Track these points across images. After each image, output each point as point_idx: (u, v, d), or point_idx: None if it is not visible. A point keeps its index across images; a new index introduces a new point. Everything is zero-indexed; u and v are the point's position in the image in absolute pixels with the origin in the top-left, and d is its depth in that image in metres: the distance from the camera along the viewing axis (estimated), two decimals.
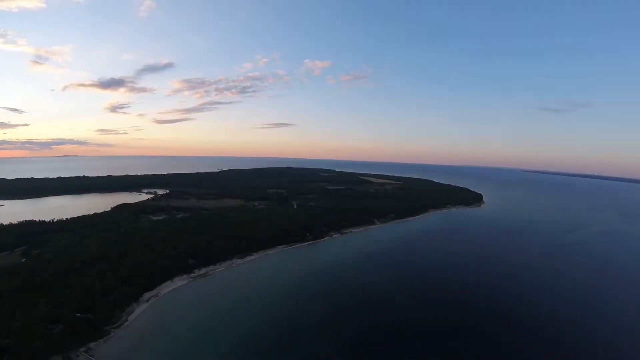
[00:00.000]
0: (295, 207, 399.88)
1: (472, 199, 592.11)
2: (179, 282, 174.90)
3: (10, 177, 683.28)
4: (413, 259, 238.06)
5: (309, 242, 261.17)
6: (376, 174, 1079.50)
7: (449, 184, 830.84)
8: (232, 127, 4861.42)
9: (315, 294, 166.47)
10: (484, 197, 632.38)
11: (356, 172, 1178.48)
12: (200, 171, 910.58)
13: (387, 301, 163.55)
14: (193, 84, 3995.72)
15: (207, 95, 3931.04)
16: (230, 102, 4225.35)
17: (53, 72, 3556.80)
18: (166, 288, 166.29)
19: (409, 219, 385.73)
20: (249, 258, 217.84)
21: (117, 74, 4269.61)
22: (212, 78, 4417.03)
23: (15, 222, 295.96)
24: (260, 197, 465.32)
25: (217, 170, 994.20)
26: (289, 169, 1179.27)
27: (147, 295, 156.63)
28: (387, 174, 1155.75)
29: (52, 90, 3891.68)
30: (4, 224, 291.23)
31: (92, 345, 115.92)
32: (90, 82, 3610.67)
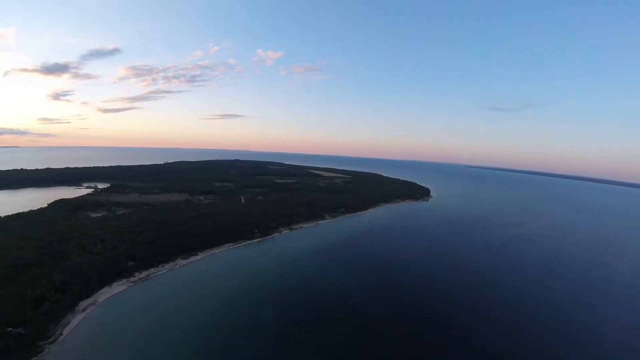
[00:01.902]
0: (243, 201, 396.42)
1: (420, 193, 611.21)
2: (117, 287, 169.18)
3: None
4: (365, 253, 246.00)
5: (258, 239, 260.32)
6: (325, 168, 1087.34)
7: (397, 178, 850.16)
8: (180, 117, 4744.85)
9: (264, 295, 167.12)
10: (431, 191, 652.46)
11: (305, 165, 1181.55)
12: (144, 163, 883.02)
13: (340, 298, 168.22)
14: (140, 71, 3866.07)
15: (155, 84, 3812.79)
16: (178, 91, 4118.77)
17: None
18: (104, 295, 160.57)
19: (359, 213, 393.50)
20: (193, 258, 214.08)
21: (61, 59, 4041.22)
22: (160, 65, 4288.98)
23: None
24: (207, 191, 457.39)
25: (162, 163, 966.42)
26: (237, 161, 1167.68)
27: (83, 304, 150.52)
28: (337, 167, 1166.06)
29: None
30: None
31: None
32: (33, 67, 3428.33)
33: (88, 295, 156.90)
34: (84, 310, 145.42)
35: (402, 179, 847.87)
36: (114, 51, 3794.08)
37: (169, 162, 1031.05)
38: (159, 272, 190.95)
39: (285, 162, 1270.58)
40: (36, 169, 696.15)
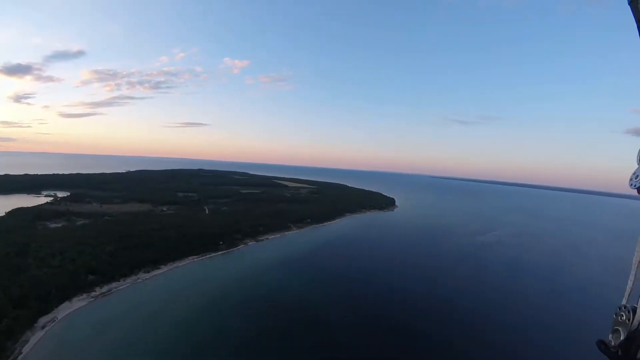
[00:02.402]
0: (207, 212, 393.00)
1: (385, 203, 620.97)
2: (78, 303, 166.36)
3: None
4: (332, 264, 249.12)
5: (223, 252, 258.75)
6: (291, 178, 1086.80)
7: (362, 189, 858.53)
8: (143, 124, 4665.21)
9: (229, 308, 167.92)
10: (396, 201, 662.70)
11: (270, 175, 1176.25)
12: (105, 171, 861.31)
13: (307, 309, 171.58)
14: (104, 76, 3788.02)
15: (118, 89, 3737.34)
16: (142, 98, 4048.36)
17: None
18: (64, 311, 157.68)
19: (326, 223, 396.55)
20: (156, 272, 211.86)
21: (25, 59, 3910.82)
22: (124, 70, 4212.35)
23: None
24: (170, 201, 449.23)
25: (124, 171, 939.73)
26: (201, 170, 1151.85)
27: (42, 320, 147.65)
28: (302, 177, 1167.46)
29: None
30: None
31: None
32: None
33: (47, 311, 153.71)
34: (43, 327, 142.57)
35: (367, 189, 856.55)
36: (79, 53, 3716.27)
37: (131, 170, 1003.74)
38: (121, 287, 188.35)
39: (250, 172, 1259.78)
40: None
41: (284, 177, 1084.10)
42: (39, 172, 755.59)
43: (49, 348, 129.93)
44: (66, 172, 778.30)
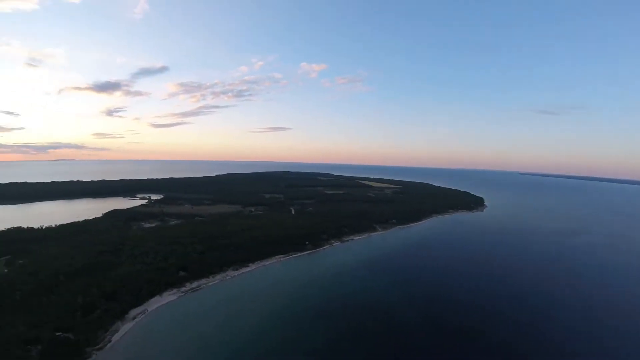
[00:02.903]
0: (293, 212, 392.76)
1: (473, 202, 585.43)
2: (168, 297, 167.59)
3: (3, 182, 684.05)
4: (419, 267, 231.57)
5: (309, 252, 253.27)
6: (375, 178, 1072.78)
7: (449, 188, 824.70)
8: (229, 131, 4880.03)
9: (314, 308, 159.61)
10: (485, 200, 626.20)
11: (354, 176, 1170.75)
12: (196, 175, 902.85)
13: (395, 318, 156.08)
14: (189, 88, 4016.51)
15: (203, 99, 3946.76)
16: (226, 106, 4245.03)
17: (48, 75, 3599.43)
18: (154, 304, 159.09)
19: (411, 224, 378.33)
20: (244, 270, 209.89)
21: (112, 77, 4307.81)
22: (208, 81, 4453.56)
23: (3, 229, 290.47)
24: (257, 202, 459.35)
25: (214, 175, 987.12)
26: (286, 173, 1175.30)
27: (133, 312, 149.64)
28: (386, 177, 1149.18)
29: (48, 93, 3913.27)
30: None
31: None
32: (85, 86, 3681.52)
33: (139, 304, 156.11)
34: (133, 319, 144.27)
35: (453, 188, 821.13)
36: (163, 69, 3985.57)
37: (220, 174, 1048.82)
38: (210, 283, 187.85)
39: (334, 173, 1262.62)
40: (92, 181, 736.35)
41: (367, 178, 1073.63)
42: (134, 177, 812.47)
43: (136, 337, 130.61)
44: (159, 177, 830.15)
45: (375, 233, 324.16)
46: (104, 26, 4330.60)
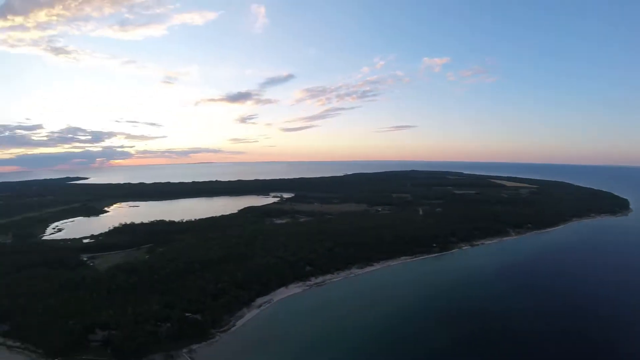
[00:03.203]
0: (421, 213, 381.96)
1: (617, 205, 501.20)
2: (293, 289, 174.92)
3: (148, 182, 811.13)
4: (556, 279, 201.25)
5: (436, 254, 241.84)
6: (508, 177, 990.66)
7: (590, 188, 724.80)
8: (355, 131, 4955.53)
9: (440, 317, 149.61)
10: (630, 203, 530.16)
11: (486, 174, 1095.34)
12: (324, 176, 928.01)
13: (524, 329, 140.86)
14: (314, 92, 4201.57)
15: (329, 102, 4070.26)
16: (351, 108, 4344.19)
17: (183, 90, 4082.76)
18: (280, 295, 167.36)
19: (549, 229, 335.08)
20: (369, 268, 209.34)
21: (242, 89, 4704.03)
22: (332, 85, 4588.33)
23: (147, 222, 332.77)
24: (384, 202, 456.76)
25: (341, 175, 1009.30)
26: (413, 172, 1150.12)
27: (259, 300, 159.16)
28: (520, 176, 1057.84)
29: (185, 106, 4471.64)
30: (136, 222, 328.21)
31: (195, 347, 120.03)
32: (219, 97, 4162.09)
33: (265, 294, 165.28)
34: (259, 307, 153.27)
35: (595, 188, 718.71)
36: (288, 77, 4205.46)
37: (347, 174, 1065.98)
38: (334, 279, 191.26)
39: (464, 172, 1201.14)
40: (229, 181, 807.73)
41: (500, 176, 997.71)
42: (267, 178, 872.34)
43: (259, 324, 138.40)
44: (290, 177, 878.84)
45: (508, 237, 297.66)
46: (228, 43, 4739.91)
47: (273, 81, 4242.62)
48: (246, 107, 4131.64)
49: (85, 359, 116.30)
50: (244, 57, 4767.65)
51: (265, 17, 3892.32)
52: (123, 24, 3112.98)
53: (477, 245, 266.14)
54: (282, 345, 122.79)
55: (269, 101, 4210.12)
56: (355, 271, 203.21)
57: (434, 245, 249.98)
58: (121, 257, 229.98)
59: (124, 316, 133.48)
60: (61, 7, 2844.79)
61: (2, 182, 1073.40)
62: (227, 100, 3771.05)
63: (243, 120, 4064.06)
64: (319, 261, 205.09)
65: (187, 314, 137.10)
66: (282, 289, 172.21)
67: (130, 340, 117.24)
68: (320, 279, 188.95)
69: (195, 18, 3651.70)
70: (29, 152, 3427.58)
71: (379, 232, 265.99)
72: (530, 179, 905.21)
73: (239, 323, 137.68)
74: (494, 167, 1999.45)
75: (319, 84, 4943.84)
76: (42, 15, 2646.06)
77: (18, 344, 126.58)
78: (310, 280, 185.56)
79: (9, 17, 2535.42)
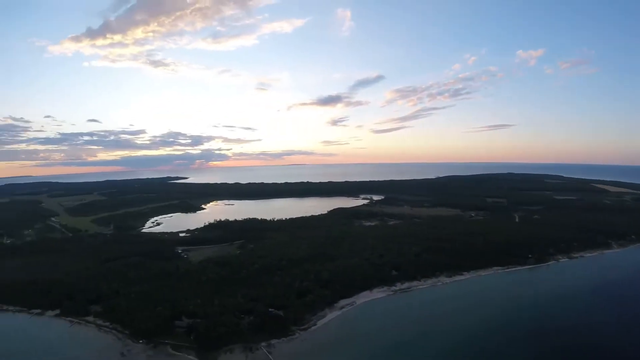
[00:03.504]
0: (517, 220, 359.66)
1: None
2: (377, 293, 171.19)
3: (243, 182, 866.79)
4: None
5: (530, 266, 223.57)
6: (612, 181, 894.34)
7: None
8: (448, 131, 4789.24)
9: (528, 335, 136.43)
10: None
11: (587, 178, 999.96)
12: (416, 178, 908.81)
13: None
14: (405, 93, 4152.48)
15: (421, 102, 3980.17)
16: (444, 107, 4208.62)
17: (276, 95, 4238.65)
18: (363, 298, 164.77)
19: None
20: (457, 277, 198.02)
21: (332, 92, 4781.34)
22: (422, 84, 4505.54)
23: (240, 219, 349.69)
24: (478, 207, 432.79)
25: (434, 177, 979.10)
26: (509, 174, 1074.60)
27: (342, 302, 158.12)
28: (626, 180, 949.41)
29: (278, 110, 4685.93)
30: (230, 219, 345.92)
31: (274, 342, 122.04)
32: (310, 101, 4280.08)
33: (349, 296, 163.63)
34: (341, 308, 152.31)
35: None
36: (378, 78, 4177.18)
37: (440, 176, 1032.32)
38: (420, 286, 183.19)
39: (564, 175, 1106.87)
40: (320, 182, 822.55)
41: (603, 180, 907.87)
42: (357, 179, 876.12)
43: (339, 325, 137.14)
44: (381, 179, 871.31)
45: (610, 250, 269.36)
46: (317, 48, 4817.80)
47: (363, 83, 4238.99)
48: (337, 110, 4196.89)
49: (169, 342, 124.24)
50: (332, 61, 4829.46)
51: (351, 20, 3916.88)
52: (215, 36, 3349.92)
53: (576, 257, 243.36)
54: (360, 349, 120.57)
55: (359, 103, 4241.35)
56: (443, 279, 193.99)
57: (529, 256, 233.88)
58: (214, 251, 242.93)
59: (210, 306, 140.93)
60: (156, 24, 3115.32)
61: (108, 180, 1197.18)
62: (318, 104, 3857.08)
63: (334, 122, 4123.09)
64: (406, 266, 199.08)
65: (270, 309, 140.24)
66: (366, 292, 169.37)
67: (212, 330, 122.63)
68: (405, 284, 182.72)
69: (284, 26, 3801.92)
70: (133, 154, 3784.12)
71: (470, 239, 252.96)
72: (637, 184, 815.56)
73: (320, 323, 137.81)
74: (597, 169, 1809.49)
75: (410, 83, 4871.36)
76: (138, 33, 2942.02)
77: (107, 324, 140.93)
78: (395, 286, 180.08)
79: (107, 35, 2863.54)
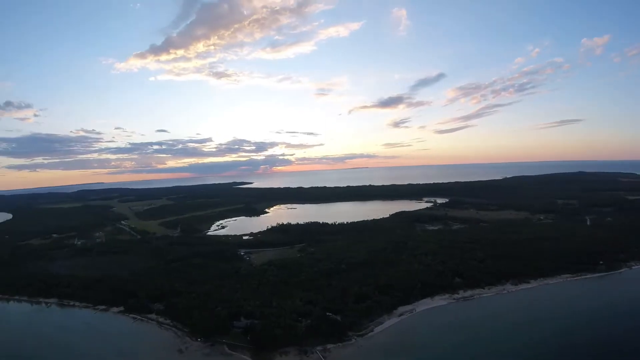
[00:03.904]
0: (588, 223, 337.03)
1: None
2: (438, 301, 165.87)
3: (306, 186, 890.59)
4: None
5: (601, 274, 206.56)
6: None
7: None
8: (513, 129, 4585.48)
9: (600, 351, 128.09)
10: None
11: None
12: (481, 179, 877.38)
13: None
14: (467, 90, 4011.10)
15: (484, 100, 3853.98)
16: (509, 103, 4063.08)
17: (336, 100, 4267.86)
18: (423, 305, 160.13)
19: None
20: (523, 286, 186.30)
21: (393, 93, 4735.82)
22: (485, 81, 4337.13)
23: (302, 223, 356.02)
24: (547, 209, 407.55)
25: (500, 178, 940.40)
26: (581, 174, 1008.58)
27: (401, 309, 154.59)
28: None
29: (339, 114, 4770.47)
30: (292, 223, 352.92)
31: (329, 346, 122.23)
32: (371, 104, 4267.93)
33: (408, 302, 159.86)
34: (400, 315, 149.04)
35: None
36: (439, 77, 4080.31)
37: (507, 177, 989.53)
38: (484, 294, 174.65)
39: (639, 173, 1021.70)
40: (382, 185, 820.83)
41: None
42: (420, 182, 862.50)
43: (397, 333, 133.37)
44: (445, 181, 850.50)
45: None
46: (375, 50, 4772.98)
47: (423, 82, 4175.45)
48: (398, 111, 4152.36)
49: (225, 342, 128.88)
50: (391, 62, 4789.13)
51: (407, 19, 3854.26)
52: (274, 45, 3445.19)
53: None
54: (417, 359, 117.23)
55: (420, 103, 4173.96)
56: (509, 287, 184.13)
57: (600, 262, 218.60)
58: (275, 254, 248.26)
59: (268, 308, 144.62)
60: (216, 37, 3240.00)
61: (176, 186, 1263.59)
62: (379, 106, 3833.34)
63: (396, 124, 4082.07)
64: (469, 273, 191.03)
65: (327, 313, 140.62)
66: (427, 300, 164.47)
67: (269, 331, 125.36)
68: (468, 292, 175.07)
69: (340, 30, 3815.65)
70: (200, 161, 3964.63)
71: (538, 245, 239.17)
72: None
73: (377, 329, 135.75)
74: None
75: (472, 80, 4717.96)
76: (200, 47, 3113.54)
77: (168, 321, 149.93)
78: (457, 293, 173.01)
79: (171, 51, 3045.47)
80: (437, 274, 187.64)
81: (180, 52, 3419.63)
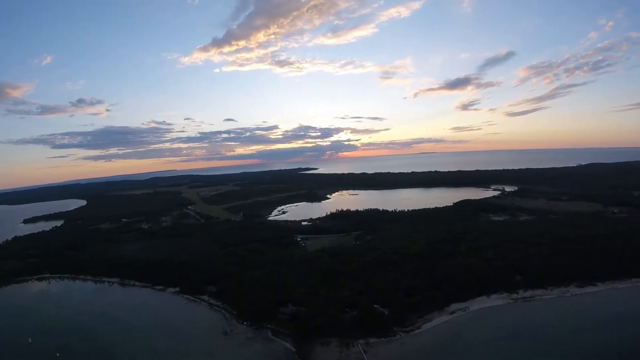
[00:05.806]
0: None
1: None
2: (495, 300, 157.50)
3: (370, 172, 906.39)
4: None
5: None
6: None
7: None
8: (589, 111, 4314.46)
9: None
10: None
11: None
12: (555, 166, 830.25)
13: None
14: (539, 69, 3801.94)
15: (557, 79, 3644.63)
16: (583, 83, 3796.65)
17: (401, 83, 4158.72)
18: (478, 304, 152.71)
19: None
20: (589, 288, 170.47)
21: (460, 74, 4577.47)
22: (557, 59, 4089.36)
23: (361, 209, 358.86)
24: (622, 202, 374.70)
25: (575, 165, 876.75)
26: None
27: (453, 306, 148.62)
28: None
29: (405, 98, 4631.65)
30: (352, 209, 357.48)
31: (372, 340, 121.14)
32: (437, 86, 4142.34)
33: (461, 300, 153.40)
34: (451, 313, 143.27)
35: None
36: (508, 55, 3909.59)
37: (581, 164, 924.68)
38: (546, 296, 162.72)
39: None
40: (448, 171, 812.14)
41: None
42: (489, 168, 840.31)
43: (447, 333, 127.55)
44: (515, 168, 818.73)
45: None
46: (438, 29, 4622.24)
47: (492, 62, 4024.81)
48: (466, 93, 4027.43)
49: (270, 327, 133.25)
50: (456, 41, 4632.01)
51: None
52: (334, 30, 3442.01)
53: None
54: None
55: (490, 84, 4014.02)
56: (573, 289, 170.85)
57: None
58: (331, 241, 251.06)
59: (315, 296, 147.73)
60: (275, 26, 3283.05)
61: (243, 172, 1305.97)
62: (446, 88, 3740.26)
63: (464, 107, 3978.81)
64: (532, 271, 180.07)
65: (375, 306, 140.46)
66: (482, 298, 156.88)
67: (313, 319, 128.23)
68: (529, 292, 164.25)
69: (401, 10, 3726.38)
70: (267, 148, 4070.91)
71: (609, 242, 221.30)
72: None
73: (425, 326, 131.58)
74: None
75: (543, 58, 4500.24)
76: (260, 37, 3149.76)
77: (219, 303, 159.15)
78: (517, 293, 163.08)
79: (232, 42, 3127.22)
80: (496, 270, 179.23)
81: (242, 43, 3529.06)
